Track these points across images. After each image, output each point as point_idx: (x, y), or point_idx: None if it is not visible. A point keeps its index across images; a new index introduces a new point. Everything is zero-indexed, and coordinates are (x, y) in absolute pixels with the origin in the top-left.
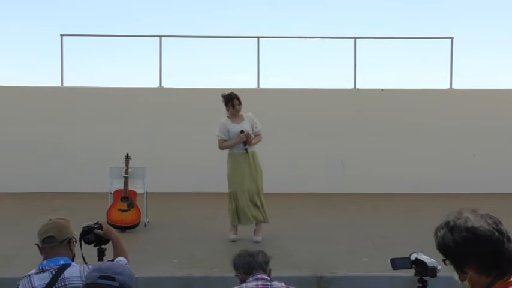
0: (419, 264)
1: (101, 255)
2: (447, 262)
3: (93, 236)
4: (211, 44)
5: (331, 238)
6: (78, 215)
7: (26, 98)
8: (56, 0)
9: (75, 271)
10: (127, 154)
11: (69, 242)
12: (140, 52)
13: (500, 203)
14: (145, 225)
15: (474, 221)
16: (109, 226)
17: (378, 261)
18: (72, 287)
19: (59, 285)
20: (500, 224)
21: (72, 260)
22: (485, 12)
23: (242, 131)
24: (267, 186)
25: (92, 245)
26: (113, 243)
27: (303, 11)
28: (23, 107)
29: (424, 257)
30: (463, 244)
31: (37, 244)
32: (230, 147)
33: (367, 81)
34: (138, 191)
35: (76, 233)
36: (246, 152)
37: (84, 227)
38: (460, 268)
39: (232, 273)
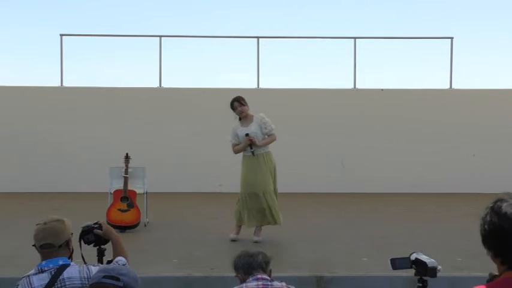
0: (419, 264)
1: (100, 255)
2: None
3: (92, 236)
4: (211, 44)
5: (331, 238)
6: (78, 215)
7: (26, 98)
8: (56, 0)
9: (74, 271)
10: (127, 154)
11: (67, 242)
12: (140, 52)
13: None
14: (145, 225)
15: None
16: (109, 226)
17: (377, 261)
18: (71, 287)
19: (59, 285)
20: None
21: (71, 256)
22: (485, 12)
23: (247, 134)
24: None
25: (92, 245)
26: (112, 243)
27: (303, 11)
28: (23, 107)
29: (424, 257)
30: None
31: (34, 245)
32: (240, 151)
33: (367, 81)
34: (138, 191)
35: (76, 233)
36: (253, 154)
37: (84, 227)
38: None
39: (232, 274)
